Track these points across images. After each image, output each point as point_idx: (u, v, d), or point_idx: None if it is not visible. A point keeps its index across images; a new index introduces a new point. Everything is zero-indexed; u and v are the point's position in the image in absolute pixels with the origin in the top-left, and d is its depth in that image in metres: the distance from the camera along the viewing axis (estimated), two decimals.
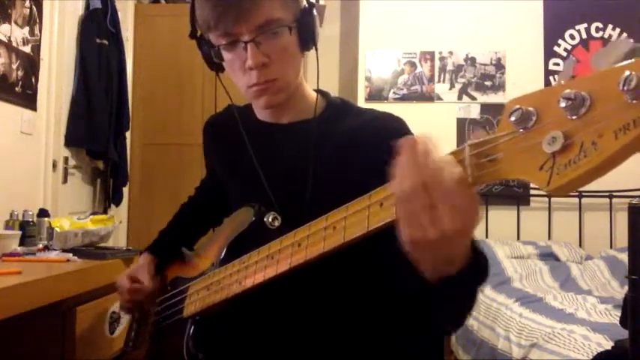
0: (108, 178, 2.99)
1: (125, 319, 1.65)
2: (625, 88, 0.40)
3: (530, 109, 0.47)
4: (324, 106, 0.96)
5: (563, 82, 0.46)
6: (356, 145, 0.87)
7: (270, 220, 0.85)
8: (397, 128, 0.89)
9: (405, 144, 0.54)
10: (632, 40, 0.44)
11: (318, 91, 0.99)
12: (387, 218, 0.57)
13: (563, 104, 0.44)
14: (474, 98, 3.53)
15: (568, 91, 0.44)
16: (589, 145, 0.42)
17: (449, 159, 0.52)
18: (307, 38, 0.88)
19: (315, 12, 0.88)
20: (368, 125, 0.90)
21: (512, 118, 0.48)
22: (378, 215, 0.59)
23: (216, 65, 0.91)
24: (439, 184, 0.51)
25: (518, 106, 0.48)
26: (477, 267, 0.63)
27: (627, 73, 0.40)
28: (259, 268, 0.76)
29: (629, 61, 0.42)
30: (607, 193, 3.28)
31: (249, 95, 0.90)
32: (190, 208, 1.23)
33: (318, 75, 0.97)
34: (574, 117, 0.44)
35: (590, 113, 0.43)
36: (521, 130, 0.48)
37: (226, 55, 0.87)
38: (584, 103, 0.43)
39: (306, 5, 0.88)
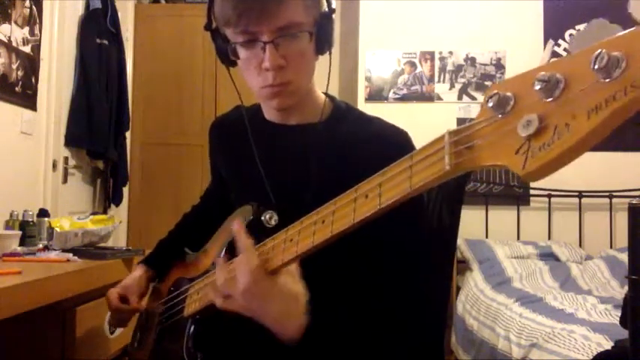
0: (108, 178, 3.00)
1: None
2: (596, 67, 0.40)
3: (508, 93, 0.46)
4: (331, 111, 0.97)
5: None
6: (358, 153, 0.88)
7: (267, 218, 0.85)
8: (399, 142, 0.90)
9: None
10: (607, 21, 0.43)
11: (326, 94, 0.99)
12: (372, 209, 0.59)
13: (537, 87, 0.44)
14: (474, 98, 3.52)
15: (542, 73, 0.43)
16: (562, 127, 0.42)
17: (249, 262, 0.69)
18: (324, 43, 0.88)
19: (331, 18, 0.88)
20: (372, 136, 0.91)
21: (490, 104, 0.47)
22: (364, 207, 0.60)
23: (228, 60, 0.90)
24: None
25: (495, 91, 0.47)
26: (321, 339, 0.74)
27: (598, 51, 0.40)
28: None
29: (602, 40, 0.41)
30: (607, 193, 3.28)
31: (262, 95, 0.90)
32: (193, 216, 1.24)
33: (328, 79, 0.97)
34: (549, 99, 0.43)
35: (564, 95, 0.43)
36: (499, 116, 0.47)
37: (242, 53, 0.86)
38: (559, 85, 0.43)
39: (326, 10, 0.87)
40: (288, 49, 0.84)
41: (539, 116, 0.44)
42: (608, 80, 0.40)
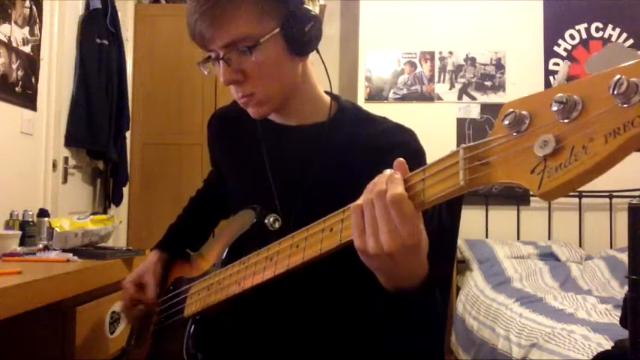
0: (108, 178, 2.99)
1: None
2: (615, 92, 0.40)
3: (524, 112, 0.47)
4: (335, 110, 0.95)
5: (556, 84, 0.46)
6: (364, 154, 0.87)
7: (270, 221, 0.86)
8: (407, 141, 0.89)
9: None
10: (626, 45, 0.44)
11: (331, 94, 0.98)
12: None
13: (555, 108, 0.44)
14: (474, 98, 3.53)
15: (560, 94, 0.44)
16: (580, 149, 0.43)
17: (397, 181, 0.56)
18: (297, 44, 0.84)
19: (304, 16, 0.83)
20: (379, 136, 0.90)
21: (506, 122, 0.48)
22: None
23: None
24: (380, 203, 0.56)
25: (511, 110, 0.48)
26: (432, 284, 0.65)
27: (617, 77, 0.41)
28: (258, 270, 0.76)
29: (622, 65, 0.41)
30: (607, 193, 3.28)
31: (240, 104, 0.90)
32: (199, 200, 1.23)
33: (329, 79, 0.96)
34: (566, 120, 0.44)
35: (582, 117, 0.43)
36: (514, 134, 0.48)
37: (214, 67, 0.87)
38: (576, 107, 0.43)
39: (288, 11, 0.82)
40: (242, 62, 0.82)
41: (556, 137, 0.44)
42: (626, 106, 0.40)
